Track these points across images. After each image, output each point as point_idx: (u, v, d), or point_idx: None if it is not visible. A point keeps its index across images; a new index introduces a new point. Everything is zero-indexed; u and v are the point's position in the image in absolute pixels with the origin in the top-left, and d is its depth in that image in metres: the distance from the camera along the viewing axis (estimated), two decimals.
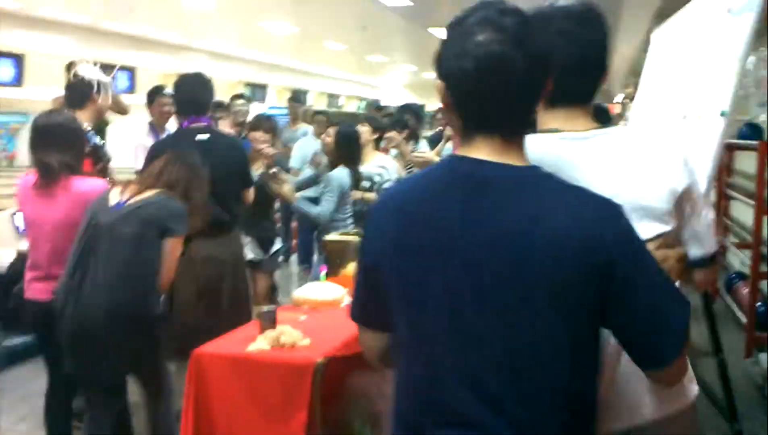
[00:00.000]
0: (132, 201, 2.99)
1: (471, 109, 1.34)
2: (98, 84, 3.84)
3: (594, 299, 1.26)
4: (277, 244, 4.93)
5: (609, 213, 1.30)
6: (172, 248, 2.98)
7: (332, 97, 22.03)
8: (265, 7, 10.84)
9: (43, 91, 10.03)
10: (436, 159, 4.52)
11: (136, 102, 11.31)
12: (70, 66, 7.03)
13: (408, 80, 25.05)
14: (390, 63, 19.04)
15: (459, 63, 1.31)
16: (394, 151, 5.65)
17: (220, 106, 6.11)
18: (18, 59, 10.23)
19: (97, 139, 3.86)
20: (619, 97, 26.25)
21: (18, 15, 10.17)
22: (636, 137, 1.63)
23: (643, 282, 1.28)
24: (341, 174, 4.69)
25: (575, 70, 1.55)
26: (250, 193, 4.05)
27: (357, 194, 4.82)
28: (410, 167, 5.23)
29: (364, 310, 1.51)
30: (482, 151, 1.32)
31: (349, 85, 23.91)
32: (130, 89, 13.10)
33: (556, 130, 1.55)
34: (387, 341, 1.49)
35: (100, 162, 3.57)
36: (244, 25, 12.48)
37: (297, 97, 8.50)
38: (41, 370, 3.39)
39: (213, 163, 3.69)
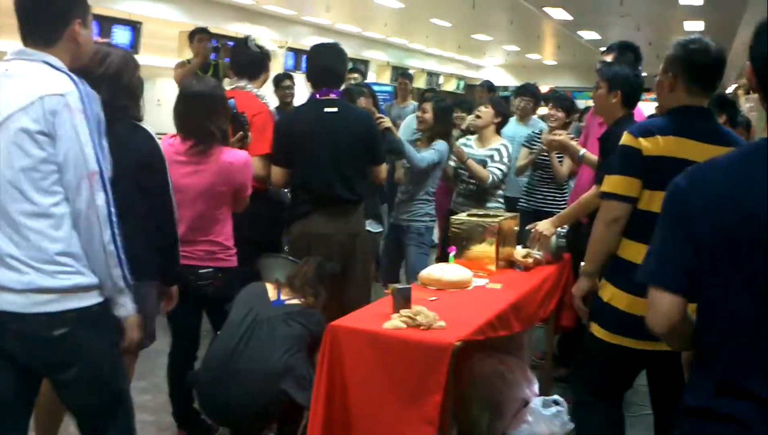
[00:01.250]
0: (289, 302, 3.24)
1: None
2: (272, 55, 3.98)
3: None
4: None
5: None
6: None
7: (431, 76, 21.84)
8: None
9: (157, 59, 10.37)
10: (573, 143, 4.35)
11: None
12: (192, 35, 7.17)
13: (508, 61, 24.61)
14: (494, 43, 18.70)
15: None
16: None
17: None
18: (134, 27, 10.50)
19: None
20: (730, 89, 25.10)
21: None
22: None
23: None
24: (445, 146, 4.71)
25: None
26: (382, 170, 3.96)
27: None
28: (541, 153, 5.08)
29: (679, 274, 1.66)
30: None
31: (450, 64, 23.66)
32: None
33: None
34: (683, 311, 1.68)
35: (240, 131, 3.59)
36: (355, 1, 12.46)
37: (407, 74, 8.50)
38: (165, 329, 3.48)
39: (339, 137, 3.75)
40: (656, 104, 2.96)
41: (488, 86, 8.02)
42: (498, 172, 4.84)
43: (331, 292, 3.48)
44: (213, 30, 12.04)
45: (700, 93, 2.71)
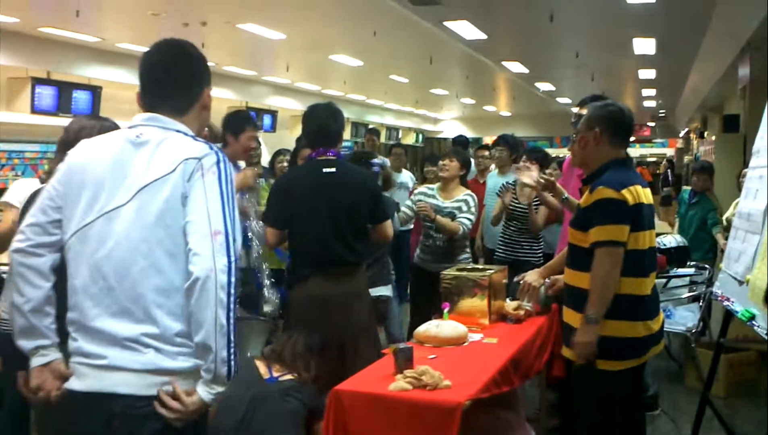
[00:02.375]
0: (282, 378, 3.24)
1: None
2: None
3: None
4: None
5: None
6: None
7: (391, 130, 22.09)
8: (335, 41, 10.92)
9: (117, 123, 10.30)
10: (558, 185, 4.39)
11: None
12: None
13: (465, 113, 25.03)
14: (451, 96, 19.03)
15: None
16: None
17: None
18: (94, 91, 10.46)
19: None
20: (682, 132, 25.84)
21: (96, 48, 10.46)
22: None
23: None
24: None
25: None
26: (387, 227, 3.83)
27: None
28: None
29: None
30: None
31: (408, 118, 23.97)
32: None
33: None
34: None
35: None
36: (314, 59, 12.59)
37: (374, 130, 8.60)
38: None
39: (338, 197, 3.67)
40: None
41: (461, 141, 8.08)
42: (467, 223, 4.88)
43: (328, 360, 3.41)
44: None
45: (621, 145, 3.23)
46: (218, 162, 1.98)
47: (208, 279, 1.87)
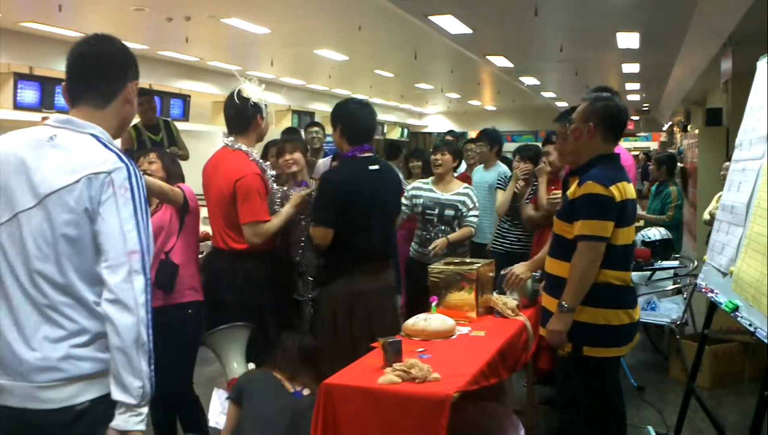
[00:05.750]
0: (305, 393, 3.25)
1: None
2: (262, 106, 3.73)
3: None
4: None
5: None
6: None
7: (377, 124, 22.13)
8: (320, 36, 10.90)
9: None
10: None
11: (190, 129, 11.44)
12: (137, 94, 7.07)
13: (450, 108, 25.07)
14: (436, 91, 19.04)
15: None
16: None
17: (294, 132, 6.09)
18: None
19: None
20: (665, 126, 26.01)
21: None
22: None
23: None
24: None
25: None
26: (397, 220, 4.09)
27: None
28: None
29: None
30: None
31: (393, 113, 23.97)
32: (182, 116, 13.22)
33: None
34: None
35: None
36: (299, 54, 12.56)
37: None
38: None
39: (383, 194, 3.81)
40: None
41: (452, 133, 8.07)
42: (475, 220, 4.94)
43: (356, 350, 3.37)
44: (157, 87, 12.05)
45: (612, 140, 3.26)
46: (129, 176, 1.97)
47: (125, 299, 1.89)
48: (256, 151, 3.80)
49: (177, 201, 3.61)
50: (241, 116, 3.71)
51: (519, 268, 3.91)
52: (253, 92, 3.71)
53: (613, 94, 3.29)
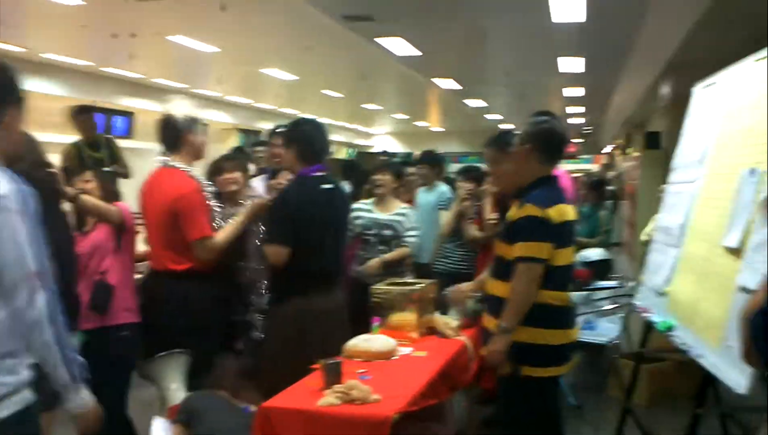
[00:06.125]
0: (253, 409, 3.14)
1: None
2: (192, 122, 3.73)
3: None
4: None
5: None
6: None
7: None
8: (268, 55, 10.90)
9: (43, 136, 10.00)
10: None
11: (134, 146, 11.28)
12: (75, 113, 6.93)
13: (398, 128, 25.24)
14: (383, 112, 19.17)
15: None
16: None
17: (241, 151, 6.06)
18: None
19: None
20: (607, 149, 26.59)
21: (21, 59, 10.18)
22: None
23: None
24: None
25: None
26: None
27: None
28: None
29: None
30: None
31: (341, 133, 24.02)
32: (126, 134, 13.04)
33: None
34: None
35: None
36: (247, 73, 12.53)
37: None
38: None
39: (337, 213, 3.83)
40: None
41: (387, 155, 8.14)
42: (413, 240, 4.93)
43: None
44: (101, 105, 11.88)
45: (551, 163, 3.31)
46: (20, 198, 1.96)
47: (31, 316, 1.96)
48: (193, 169, 3.78)
49: (113, 220, 3.56)
50: (171, 134, 3.72)
51: (460, 288, 3.98)
52: (181, 110, 3.73)
53: (554, 118, 3.35)
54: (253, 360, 3.53)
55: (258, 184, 4.73)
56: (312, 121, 3.85)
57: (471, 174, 5.33)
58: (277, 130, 4.82)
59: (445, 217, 5.43)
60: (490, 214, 4.79)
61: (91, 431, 2.23)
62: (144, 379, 3.65)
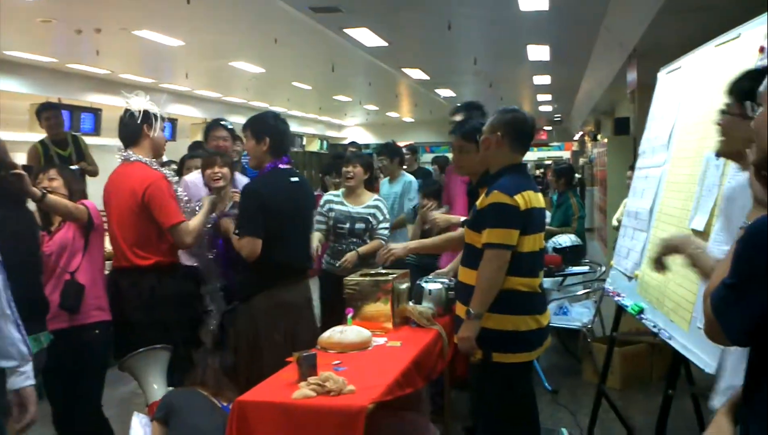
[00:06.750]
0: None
1: None
2: (150, 116, 3.73)
3: None
4: None
5: None
6: None
7: (295, 137, 22.01)
8: (235, 48, 10.81)
9: (8, 135, 9.85)
10: (452, 217, 4.42)
11: (102, 143, 11.15)
12: (39, 111, 6.84)
13: (369, 120, 25.20)
14: (354, 103, 19.13)
15: None
16: None
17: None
18: None
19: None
20: (577, 136, 26.78)
21: None
22: None
23: None
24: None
25: None
26: None
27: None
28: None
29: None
30: None
31: (312, 125, 23.93)
32: (93, 131, 12.85)
33: None
34: None
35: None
36: (214, 67, 12.42)
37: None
38: None
39: (305, 205, 3.93)
40: None
41: (356, 146, 8.17)
42: (386, 233, 4.93)
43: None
44: (68, 102, 11.69)
45: (520, 150, 3.35)
46: None
47: None
48: (156, 162, 3.79)
49: (81, 218, 3.52)
50: (129, 128, 3.75)
51: (396, 247, 4.18)
52: (138, 104, 3.74)
53: (521, 111, 3.41)
54: (233, 357, 3.53)
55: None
56: (278, 115, 3.91)
57: (431, 190, 5.37)
58: (221, 123, 4.92)
59: (410, 230, 5.52)
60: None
61: (30, 418, 2.29)
62: (126, 372, 3.63)
